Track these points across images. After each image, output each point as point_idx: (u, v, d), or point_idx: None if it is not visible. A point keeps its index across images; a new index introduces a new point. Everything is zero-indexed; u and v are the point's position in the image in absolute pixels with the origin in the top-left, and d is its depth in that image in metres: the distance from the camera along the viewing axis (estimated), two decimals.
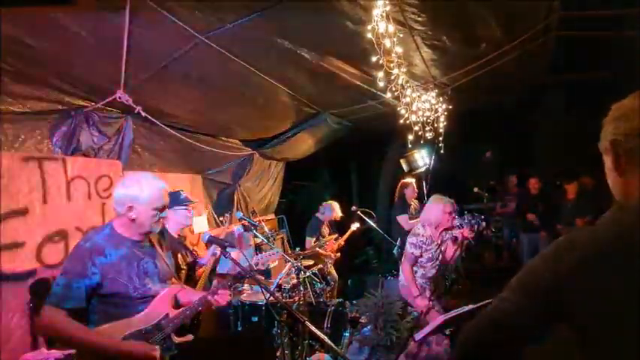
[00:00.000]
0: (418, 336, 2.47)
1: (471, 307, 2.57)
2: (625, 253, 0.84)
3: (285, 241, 6.65)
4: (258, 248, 5.18)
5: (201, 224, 5.28)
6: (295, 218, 7.37)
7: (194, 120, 4.30)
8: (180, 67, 3.14)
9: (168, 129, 4.00)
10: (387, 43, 2.40)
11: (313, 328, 1.60)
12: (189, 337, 2.01)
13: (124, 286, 1.84)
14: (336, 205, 5.62)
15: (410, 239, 3.67)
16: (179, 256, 2.69)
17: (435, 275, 3.71)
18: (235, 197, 5.84)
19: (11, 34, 2.31)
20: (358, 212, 5.60)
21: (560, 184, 5.98)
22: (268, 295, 3.13)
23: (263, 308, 3.76)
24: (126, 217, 1.89)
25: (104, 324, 1.80)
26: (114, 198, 1.91)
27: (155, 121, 3.62)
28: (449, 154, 5.26)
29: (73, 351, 2.66)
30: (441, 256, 3.68)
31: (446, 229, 3.66)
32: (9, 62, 2.53)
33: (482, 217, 5.61)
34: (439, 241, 3.63)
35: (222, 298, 2.10)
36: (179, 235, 3.13)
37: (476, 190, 4.81)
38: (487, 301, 2.69)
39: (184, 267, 2.77)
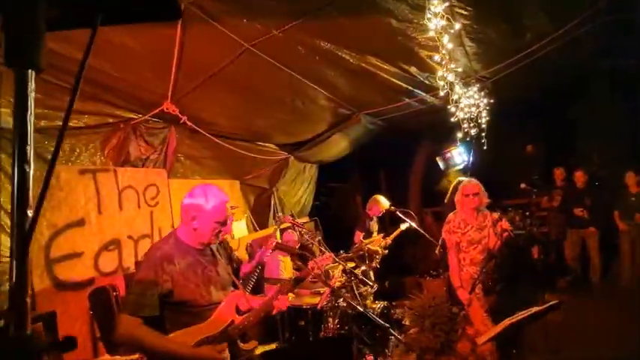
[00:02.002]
0: (481, 340, 2.40)
1: (535, 309, 2.49)
2: None
3: (320, 243, 6.64)
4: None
5: (240, 229, 5.36)
6: (328, 220, 7.36)
7: (234, 127, 4.37)
8: (224, 76, 3.18)
9: (210, 137, 4.07)
10: (445, 40, 2.35)
11: (396, 335, 1.57)
12: (255, 343, 2.02)
13: (191, 293, 1.86)
14: (380, 199, 5.54)
15: (444, 228, 3.66)
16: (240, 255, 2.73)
17: (483, 261, 3.60)
18: (272, 201, 5.90)
19: (69, 54, 2.41)
20: (397, 212, 5.52)
21: (611, 177, 5.69)
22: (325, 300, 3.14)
23: (309, 312, 3.76)
24: (189, 226, 1.93)
25: (175, 332, 1.84)
26: (181, 206, 1.95)
27: (199, 129, 3.69)
28: (489, 149, 5.10)
29: (135, 356, 2.75)
30: (484, 240, 3.57)
31: (477, 210, 3.55)
32: (68, 80, 2.63)
33: (527, 213, 5.42)
34: (478, 226, 3.52)
35: (283, 303, 2.10)
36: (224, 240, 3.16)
37: (523, 185, 4.64)
38: (551, 302, 2.60)
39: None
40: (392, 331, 1.55)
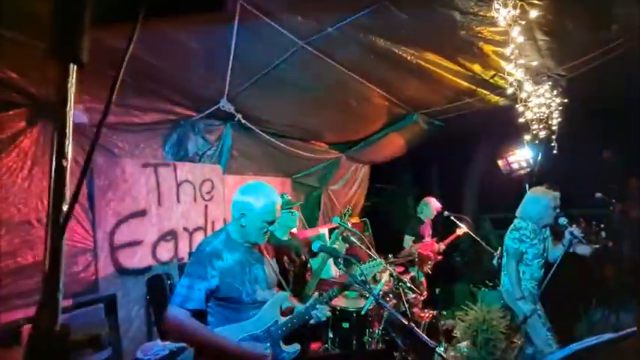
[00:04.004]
0: None
1: (609, 335, 2.20)
2: None
3: (369, 244, 6.53)
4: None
5: None
6: (378, 221, 7.21)
7: (287, 125, 4.40)
8: (278, 74, 3.19)
9: (263, 134, 4.14)
10: (515, 32, 2.14)
11: (442, 355, 1.44)
12: (296, 345, 1.99)
13: (237, 290, 1.88)
14: (432, 201, 5.32)
15: (511, 235, 3.44)
16: (285, 258, 2.71)
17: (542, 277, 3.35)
18: (322, 200, 5.88)
19: (137, 55, 2.55)
20: (451, 217, 5.25)
21: None
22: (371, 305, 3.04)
23: (354, 315, 3.67)
24: (238, 222, 1.94)
25: (219, 327, 1.86)
26: (232, 202, 1.97)
27: (253, 127, 3.75)
28: (560, 153, 4.64)
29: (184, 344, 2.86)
30: (545, 254, 3.31)
31: (546, 226, 3.37)
32: (133, 78, 2.79)
33: (602, 225, 4.86)
34: (542, 237, 3.27)
35: (322, 313, 2.06)
36: (292, 235, 3.14)
37: (598, 195, 4.17)
38: (627, 330, 2.27)
39: (293, 269, 2.78)
40: (438, 351, 1.42)
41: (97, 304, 2.91)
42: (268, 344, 1.88)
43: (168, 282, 3.34)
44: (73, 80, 0.61)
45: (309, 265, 3.05)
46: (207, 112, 3.50)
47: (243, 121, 3.64)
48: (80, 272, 2.88)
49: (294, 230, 3.63)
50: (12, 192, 2.49)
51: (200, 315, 1.83)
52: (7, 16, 1.85)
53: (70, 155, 0.60)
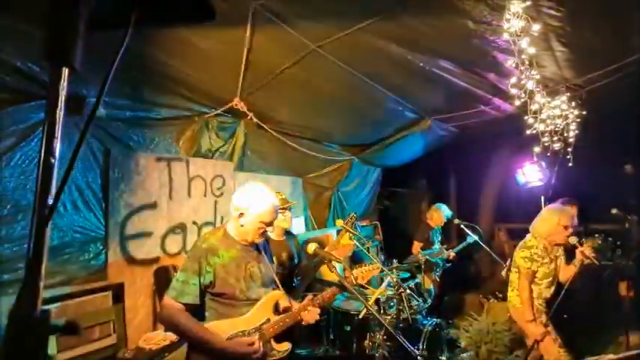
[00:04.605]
0: None
1: (611, 356, 2.15)
2: None
3: (379, 247, 6.52)
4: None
5: (299, 226, 5.44)
6: (388, 225, 7.17)
7: (299, 125, 4.44)
8: (290, 76, 3.23)
9: (276, 133, 4.19)
10: (524, 43, 2.12)
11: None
12: (287, 345, 2.02)
13: (231, 287, 1.92)
14: (442, 208, 5.27)
15: (521, 253, 3.32)
16: (273, 259, 2.74)
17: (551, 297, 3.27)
18: (332, 201, 5.90)
19: (152, 54, 2.64)
20: (461, 225, 5.19)
21: None
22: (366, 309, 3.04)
23: (355, 318, 3.67)
24: (237, 221, 1.98)
25: (212, 322, 1.91)
26: (231, 201, 2.02)
27: (264, 126, 3.80)
28: (578, 166, 4.52)
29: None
30: (554, 273, 3.23)
31: (558, 244, 3.25)
32: (150, 77, 2.88)
33: (618, 242, 4.72)
34: (553, 256, 3.18)
35: (311, 315, 2.07)
36: (288, 233, 3.17)
37: (614, 211, 4.05)
38: (633, 352, 2.21)
39: (281, 271, 2.80)
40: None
41: (105, 292, 3.01)
42: (257, 343, 1.91)
43: (175, 274, 3.42)
44: (65, 83, 0.65)
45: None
46: (221, 110, 3.57)
47: (256, 120, 3.70)
48: (90, 260, 2.98)
49: (303, 231, 3.65)
50: (30, 179, 2.61)
51: (195, 309, 1.87)
52: (30, 12, 1.94)
53: (57, 153, 0.64)
